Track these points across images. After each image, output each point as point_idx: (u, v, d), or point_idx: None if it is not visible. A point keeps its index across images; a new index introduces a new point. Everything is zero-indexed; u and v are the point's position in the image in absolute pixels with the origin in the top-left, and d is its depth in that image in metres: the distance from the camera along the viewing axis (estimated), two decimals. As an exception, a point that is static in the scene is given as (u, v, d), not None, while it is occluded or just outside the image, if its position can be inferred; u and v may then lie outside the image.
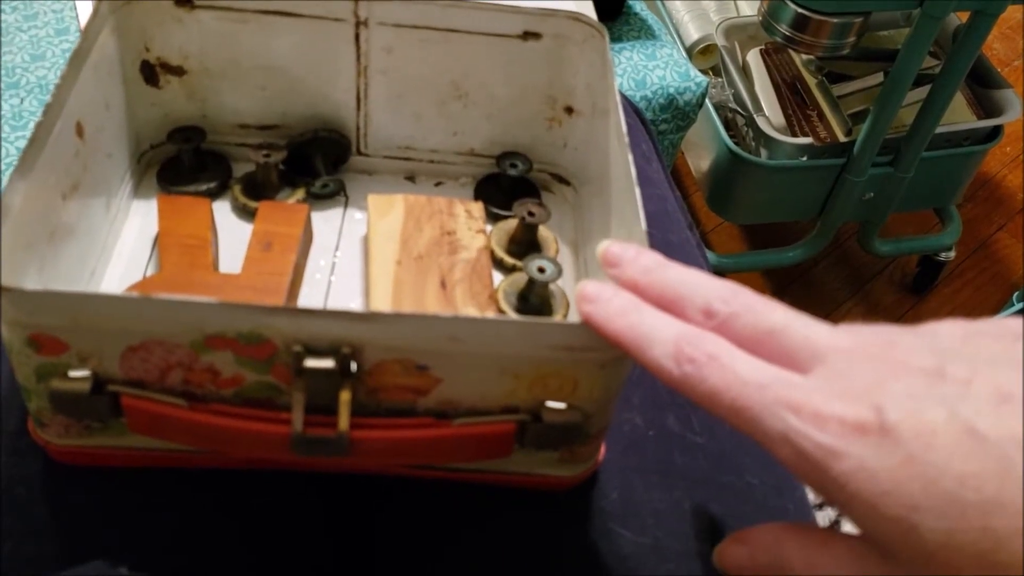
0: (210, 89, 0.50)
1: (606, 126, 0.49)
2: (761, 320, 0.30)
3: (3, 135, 0.81)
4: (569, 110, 0.52)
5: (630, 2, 1.07)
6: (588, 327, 0.33)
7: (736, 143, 1.23)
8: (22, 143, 0.80)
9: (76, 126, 0.43)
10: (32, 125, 0.81)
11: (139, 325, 0.34)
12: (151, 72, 0.49)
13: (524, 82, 0.51)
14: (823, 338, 0.29)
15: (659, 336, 0.30)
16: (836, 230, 1.32)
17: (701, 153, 1.32)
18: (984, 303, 1.51)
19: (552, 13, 0.48)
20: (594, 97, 0.50)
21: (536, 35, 0.49)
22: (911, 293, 1.51)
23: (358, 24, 0.48)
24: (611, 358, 0.35)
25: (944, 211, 1.43)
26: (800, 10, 1.00)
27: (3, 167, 0.80)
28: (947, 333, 0.29)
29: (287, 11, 0.47)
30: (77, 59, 0.42)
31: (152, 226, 0.49)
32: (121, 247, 0.48)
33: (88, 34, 0.44)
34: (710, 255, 1.35)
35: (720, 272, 1.38)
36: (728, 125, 1.27)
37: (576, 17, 0.48)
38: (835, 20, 1.00)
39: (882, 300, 1.50)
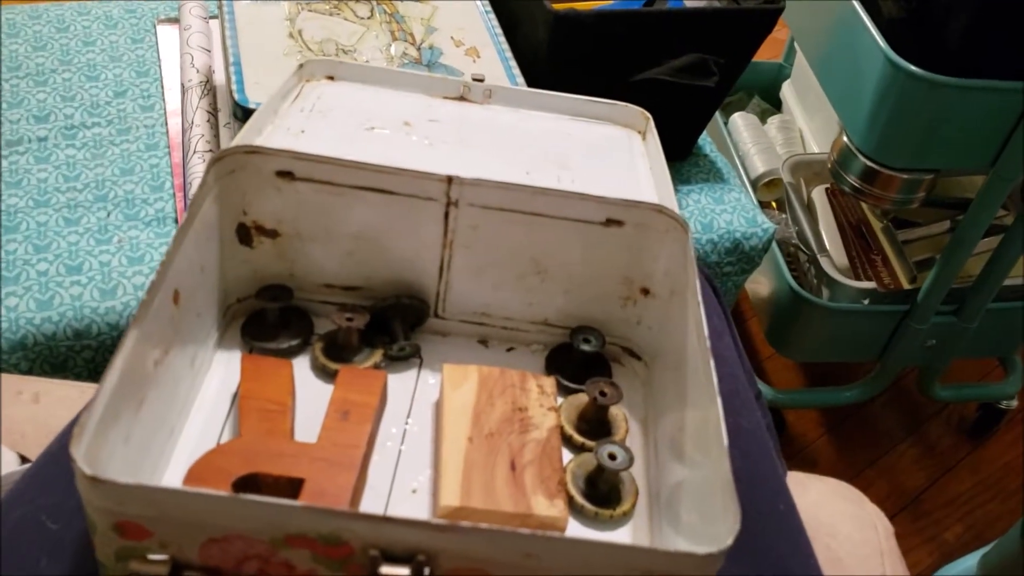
0: (300, 251, 0.52)
1: (682, 308, 0.49)
2: None
3: (89, 249, 0.84)
4: (645, 291, 0.53)
5: (700, 143, 1.09)
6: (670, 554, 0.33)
7: (796, 278, 1.23)
8: (106, 257, 0.83)
9: (174, 294, 0.44)
10: (116, 241, 0.85)
11: (224, 520, 0.34)
12: (246, 234, 0.51)
13: (603, 263, 0.52)
14: None
15: None
16: (896, 373, 1.30)
17: (761, 284, 1.32)
18: (1047, 454, 1.47)
19: (636, 204, 0.49)
20: (672, 282, 0.51)
21: (619, 223, 0.50)
22: (969, 438, 1.47)
23: (449, 204, 0.50)
24: (686, 585, 0.35)
25: (1007, 359, 1.41)
26: (869, 164, 1.01)
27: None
28: None
29: (382, 188, 0.49)
30: (183, 231, 0.44)
31: (232, 379, 0.50)
32: (201, 401, 0.49)
33: (195, 204, 0.46)
34: (766, 389, 1.34)
35: (775, 407, 1.37)
36: (790, 260, 1.28)
37: (659, 209, 0.49)
38: (905, 176, 1.01)
39: (939, 443, 1.47)
